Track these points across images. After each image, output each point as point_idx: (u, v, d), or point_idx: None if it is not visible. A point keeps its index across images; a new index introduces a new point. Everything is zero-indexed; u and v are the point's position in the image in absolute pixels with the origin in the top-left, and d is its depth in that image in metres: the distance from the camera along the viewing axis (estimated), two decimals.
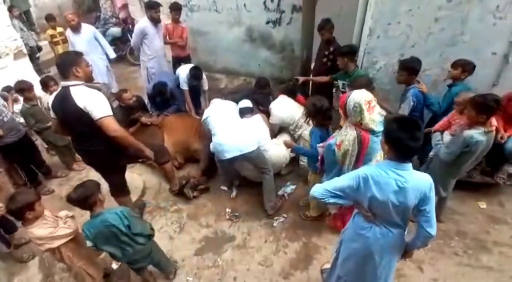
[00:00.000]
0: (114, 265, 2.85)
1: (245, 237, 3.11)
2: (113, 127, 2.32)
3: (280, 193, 3.56)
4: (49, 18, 5.77)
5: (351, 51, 3.29)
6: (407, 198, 1.66)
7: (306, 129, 3.50)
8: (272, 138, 3.56)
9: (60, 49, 5.82)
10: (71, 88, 2.30)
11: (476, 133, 2.39)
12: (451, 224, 3.12)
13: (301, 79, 4.00)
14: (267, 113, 3.59)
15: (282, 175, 3.76)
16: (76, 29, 4.49)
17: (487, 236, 3.02)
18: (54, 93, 2.45)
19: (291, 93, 3.73)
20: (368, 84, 2.83)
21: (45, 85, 3.71)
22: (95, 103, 2.28)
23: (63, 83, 2.35)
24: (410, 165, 1.66)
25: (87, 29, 4.64)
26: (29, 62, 5.15)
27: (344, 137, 2.33)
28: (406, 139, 1.55)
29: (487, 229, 3.09)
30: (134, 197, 3.34)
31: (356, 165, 2.37)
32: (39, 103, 3.66)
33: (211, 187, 3.69)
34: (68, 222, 2.29)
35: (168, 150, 3.55)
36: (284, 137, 3.58)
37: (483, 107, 2.34)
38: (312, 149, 2.77)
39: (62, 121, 2.48)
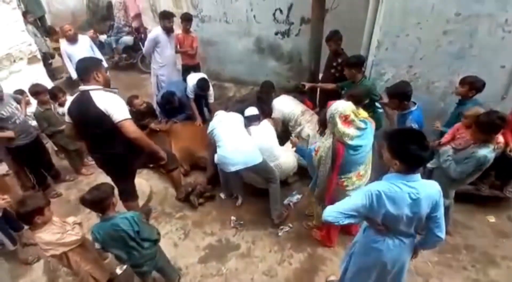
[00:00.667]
0: (118, 270, 2.85)
1: (250, 246, 3.09)
2: (133, 129, 2.41)
3: (285, 202, 3.54)
4: (50, 32, 5.75)
5: (358, 62, 3.30)
6: (420, 209, 1.66)
7: (305, 128, 3.65)
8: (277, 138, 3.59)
9: None
10: (91, 92, 2.35)
11: (488, 152, 2.37)
12: (459, 238, 3.06)
13: (308, 85, 4.02)
14: (270, 115, 3.71)
15: (288, 184, 3.75)
16: (73, 39, 4.59)
17: (496, 250, 2.96)
18: (71, 98, 2.50)
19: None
20: (361, 97, 2.81)
21: (54, 96, 3.74)
22: (116, 107, 2.35)
23: (83, 87, 2.39)
24: (418, 175, 1.66)
25: (84, 40, 4.75)
26: (43, 68, 5.26)
27: (322, 144, 2.38)
28: (417, 150, 1.54)
29: (496, 243, 3.03)
30: (140, 202, 3.35)
31: (331, 175, 2.41)
32: (52, 108, 3.73)
33: (216, 195, 3.69)
34: (76, 229, 2.30)
35: (179, 163, 3.57)
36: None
37: (489, 127, 2.34)
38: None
39: (80, 125, 2.50)
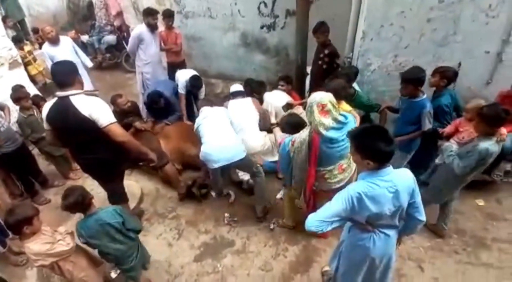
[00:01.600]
0: (113, 274, 2.82)
1: (245, 241, 3.10)
2: (120, 132, 2.35)
3: (278, 196, 3.56)
4: (16, 40, 5.44)
5: (349, 78, 3.14)
6: (401, 200, 1.68)
7: None
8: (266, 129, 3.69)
9: (32, 69, 5.62)
10: (71, 98, 2.24)
11: (491, 145, 2.33)
12: (450, 223, 3.12)
13: (295, 103, 3.77)
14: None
15: (280, 179, 3.75)
16: (55, 41, 4.43)
17: (486, 233, 3.03)
18: (48, 105, 2.36)
19: (287, 81, 3.96)
20: (338, 91, 2.71)
21: (36, 104, 3.66)
22: (100, 111, 2.26)
23: (61, 93, 2.26)
24: (390, 166, 1.67)
25: (66, 41, 4.61)
26: (24, 72, 5.12)
27: (299, 135, 2.39)
28: (385, 147, 1.55)
29: (486, 226, 3.10)
30: (132, 204, 3.32)
31: (307, 167, 2.40)
32: (35, 113, 3.63)
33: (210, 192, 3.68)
34: (67, 239, 2.23)
35: (169, 158, 3.55)
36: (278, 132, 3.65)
37: (494, 120, 2.29)
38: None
39: (61, 132, 2.40)
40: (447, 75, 2.88)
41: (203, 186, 3.59)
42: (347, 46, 3.69)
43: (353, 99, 3.17)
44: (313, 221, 1.71)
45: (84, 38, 6.96)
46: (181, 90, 4.37)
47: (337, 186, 2.46)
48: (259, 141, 3.54)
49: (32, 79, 5.35)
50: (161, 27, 4.75)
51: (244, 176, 3.59)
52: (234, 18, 4.94)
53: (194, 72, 4.39)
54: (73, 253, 2.28)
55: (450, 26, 3.11)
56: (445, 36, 3.18)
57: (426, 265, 2.77)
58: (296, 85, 4.17)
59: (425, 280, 2.67)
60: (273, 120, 3.77)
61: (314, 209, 2.74)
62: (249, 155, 3.20)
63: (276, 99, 3.80)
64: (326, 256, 2.89)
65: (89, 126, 2.25)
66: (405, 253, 2.84)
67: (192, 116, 4.50)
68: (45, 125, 2.41)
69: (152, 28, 4.41)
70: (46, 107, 2.35)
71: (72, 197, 2.12)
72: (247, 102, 3.59)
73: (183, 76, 4.33)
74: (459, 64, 3.28)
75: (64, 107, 2.25)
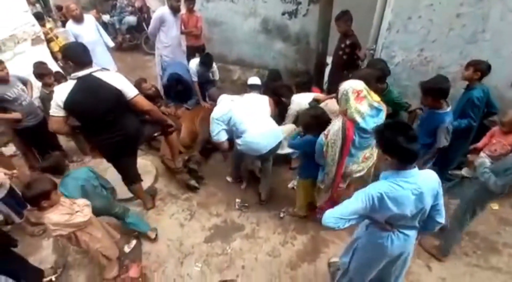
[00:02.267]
0: (127, 248, 2.93)
1: (254, 227, 3.15)
2: (146, 102, 2.52)
3: (290, 185, 3.58)
4: (38, 17, 5.43)
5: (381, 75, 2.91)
6: (424, 202, 1.65)
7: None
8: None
9: (54, 46, 5.68)
10: (96, 74, 2.29)
11: None
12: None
13: (323, 98, 3.40)
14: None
15: (292, 169, 3.76)
16: (79, 19, 4.41)
17: (498, 238, 2.98)
18: (65, 88, 2.27)
19: (306, 86, 3.71)
20: (368, 78, 2.55)
21: (56, 81, 3.71)
22: (127, 84, 2.40)
23: (83, 72, 2.26)
24: (416, 168, 1.63)
25: (90, 19, 4.61)
26: (47, 48, 5.21)
27: (331, 127, 2.33)
28: (404, 142, 1.50)
29: (498, 231, 3.05)
30: (146, 183, 3.41)
31: (340, 160, 2.35)
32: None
33: (220, 175, 3.76)
34: (85, 210, 2.31)
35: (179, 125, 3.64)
36: (289, 126, 3.59)
37: None
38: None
39: (85, 112, 2.37)
40: (480, 68, 2.78)
41: (199, 163, 3.67)
42: (370, 37, 3.58)
43: (383, 94, 2.93)
44: (330, 217, 1.69)
45: (105, 18, 7.01)
46: (194, 78, 4.40)
47: (358, 175, 2.45)
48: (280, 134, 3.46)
49: (54, 56, 5.45)
50: (183, 10, 4.73)
51: (258, 164, 3.61)
52: (256, 3, 4.86)
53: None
54: (89, 225, 2.37)
55: (479, 23, 2.99)
56: (473, 33, 3.06)
57: (434, 264, 2.76)
58: (315, 74, 4.10)
59: (433, 279, 2.67)
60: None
61: (334, 204, 2.75)
62: None
63: (306, 100, 3.50)
64: (334, 247, 2.92)
65: (119, 98, 2.35)
66: (414, 251, 2.82)
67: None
68: (59, 111, 2.29)
69: (175, 10, 4.39)
70: (64, 90, 2.25)
71: (49, 162, 2.38)
72: (263, 98, 3.43)
73: (194, 64, 4.35)
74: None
75: (93, 83, 2.27)
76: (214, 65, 4.42)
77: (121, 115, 2.46)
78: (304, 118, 2.69)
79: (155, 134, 3.20)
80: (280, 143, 3.03)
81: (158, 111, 2.70)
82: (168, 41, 4.57)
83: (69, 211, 2.25)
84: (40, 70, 3.56)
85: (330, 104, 3.21)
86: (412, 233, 1.84)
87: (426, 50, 3.22)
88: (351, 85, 2.15)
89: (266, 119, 3.06)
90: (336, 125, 2.28)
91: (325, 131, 2.39)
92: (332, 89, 3.89)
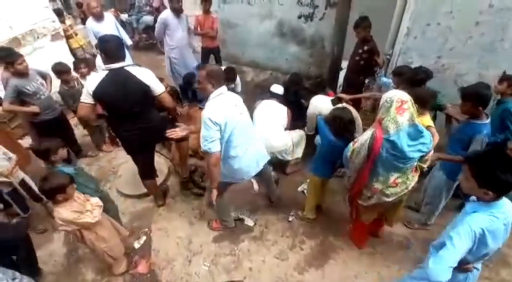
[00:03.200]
0: (136, 244, 2.97)
1: (263, 229, 3.14)
2: (170, 99, 2.63)
3: (299, 189, 3.56)
4: (57, 13, 5.55)
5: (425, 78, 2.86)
6: (508, 231, 1.55)
7: None
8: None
9: (73, 42, 5.78)
10: (127, 68, 2.40)
11: None
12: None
13: (346, 97, 3.36)
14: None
15: (287, 174, 3.77)
16: (99, 17, 4.47)
17: (509, 250, 2.89)
18: (96, 78, 2.38)
19: (321, 89, 3.71)
20: (425, 100, 2.46)
21: (75, 67, 3.88)
22: (155, 80, 2.50)
23: (116, 65, 2.36)
24: (503, 197, 1.51)
25: (109, 18, 4.68)
26: (66, 45, 5.33)
27: (361, 136, 2.28)
28: (509, 178, 1.38)
29: (509, 243, 2.95)
30: (159, 180, 3.44)
31: (362, 170, 2.26)
32: (76, 84, 3.79)
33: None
34: (95, 211, 2.30)
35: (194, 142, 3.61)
36: (295, 135, 3.65)
37: None
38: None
39: (114, 103, 2.45)
40: None
41: (203, 175, 3.64)
42: (388, 42, 3.56)
43: None
44: (443, 270, 1.49)
45: (123, 17, 7.14)
46: None
47: (385, 199, 2.32)
48: (282, 140, 3.49)
49: (73, 52, 5.57)
50: (199, 11, 4.79)
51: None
52: (272, 6, 4.88)
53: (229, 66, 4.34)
54: (97, 225, 2.36)
55: (498, 32, 2.96)
56: (492, 42, 3.02)
57: None
58: (328, 78, 4.09)
59: None
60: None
61: (357, 218, 2.69)
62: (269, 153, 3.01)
63: (324, 103, 3.50)
64: (343, 253, 2.89)
65: (147, 95, 2.45)
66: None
67: None
68: (88, 99, 2.39)
69: (177, 12, 4.41)
70: (95, 80, 2.37)
71: (43, 145, 2.45)
72: (282, 108, 3.52)
73: None
74: (504, 72, 3.10)
75: (124, 77, 2.38)
76: (238, 79, 4.37)
77: (146, 109, 2.56)
78: (329, 116, 2.68)
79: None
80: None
81: (175, 109, 2.85)
82: (174, 43, 4.61)
83: (80, 209, 2.26)
84: (59, 68, 3.66)
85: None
86: (480, 265, 1.74)
87: (443, 57, 3.19)
88: (397, 94, 2.03)
89: (272, 129, 3.15)
90: (366, 135, 2.19)
91: (355, 139, 2.33)
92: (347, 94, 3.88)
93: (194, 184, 3.58)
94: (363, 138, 2.21)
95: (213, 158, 2.22)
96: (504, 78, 2.80)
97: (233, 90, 4.38)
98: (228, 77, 4.13)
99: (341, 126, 2.55)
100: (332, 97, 3.39)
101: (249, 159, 2.52)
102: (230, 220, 3.07)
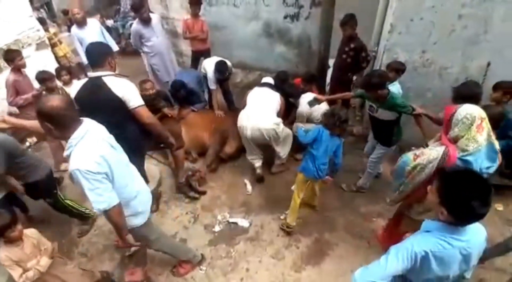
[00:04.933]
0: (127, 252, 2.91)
1: (258, 230, 3.14)
2: (147, 115, 2.46)
3: (293, 188, 3.54)
4: (40, 22, 5.40)
5: (380, 82, 2.73)
6: (469, 264, 1.40)
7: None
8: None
9: (58, 51, 5.67)
10: (103, 78, 2.31)
11: None
12: None
13: (322, 98, 3.43)
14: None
15: (297, 160, 3.82)
16: (82, 23, 4.47)
17: (502, 238, 2.96)
18: (77, 85, 2.40)
19: (312, 81, 3.80)
20: (497, 116, 2.39)
21: (57, 75, 3.84)
22: (131, 93, 2.37)
23: (94, 73, 2.34)
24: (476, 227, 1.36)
25: (94, 24, 4.68)
26: (51, 53, 5.26)
27: (428, 152, 2.10)
28: (479, 209, 1.21)
29: (503, 232, 3.03)
30: (151, 186, 3.40)
31: (421, 186, 2.12)
32: (59, 93, 3.74)
33: (224, 178, 3.77)
34: (42, 261, 2.09)
35: (184, 143, 3.59)
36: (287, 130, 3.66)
37: None
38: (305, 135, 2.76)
39: (89, 112, 2.31)
40: (510, 91, 2.78)
41: (200, 180, 3.62)
42: (372, 39, 3.60)
43: (386, 101, 2.79)
44: (364, 280, 1.41)
45: (109, 22, 7.10)
46: (212, 86, 4.33)
47: None
48: (272, 120, 3.39)
49: (58, 61, 5.49)
50: (186, 15, 4.78)
51: (256, 162, 3.65)
52: (258, 7, 4.89)
53: (219, 59, 4.33)
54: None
55: (481, 24, 3.00)
56: (475, 34, 3.06)
57: None
58: (317, 80, 4.11)
59: None
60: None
61: (396, 227, 2.63)
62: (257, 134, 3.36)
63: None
64: (338, 250, 2.91)
65: (119, 106, 2.34)
66: None
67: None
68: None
69: (145, 21, 4.41)
70: (75, 87, 2.41)
71: None
72: (274, 93, 3.51)
73: (210, 67, 4.25)
74: (488, 63, 3.17)
75: (97, 87, 2.31)
76: (230, 66, 4.40)
77: (120, 122, 2.42)
78: (328, 112, 2.70)
79: (161, 145, 3.19)
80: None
81: (159, 126, 2.63)
82: (152, 50, 4.62)
83: (22, 257, 2.03)
84: (42, 75, 3.61)
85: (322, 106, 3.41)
86: None
87: (428, 51, 3.23)
88: (478, 111, 1.91)
89: (263, 111, 3.22)
90: (434, 152, 2.06)
91: (417, 152, 2.19)
92: (335, 92, 3.91)
93: (191, 188, 3.55)
94: (430, 155, 2.06)
95: (115, 211, 1.78)
96: (498, 86, 2.86)
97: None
98: (219, 70, 4.15)
99: (338, 124, 2.59)
100: (313, 97, 3.43)
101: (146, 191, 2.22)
102: (191, 254, 2.72)
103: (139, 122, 2.44)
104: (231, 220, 3.23)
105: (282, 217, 3.23)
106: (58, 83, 3.86)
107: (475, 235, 1.36)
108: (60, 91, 3.78)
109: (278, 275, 2.73)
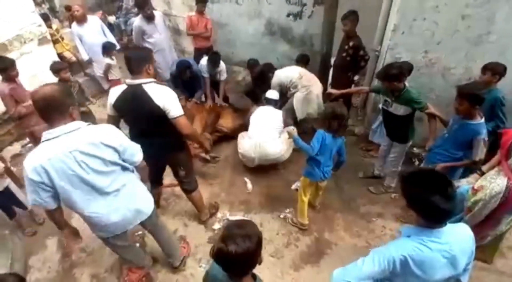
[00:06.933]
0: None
1: None
2: (187, 125, 2.40)
3: (293, 187, 3.57)
4: (43, 18, 5.37)
5: (399, 74, 2.74)
6: (458, 267, 1.37)
7: (299, 91, 3.80)
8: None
9: (59, 47, 5.64)
10: (144, 86, 2.24)
11: None
12: None
13: (336, 93, 3.47)
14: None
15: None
16: (82, 20, 4.46)
17: (504, 241, 2.94)
18: (116, 91, 2.31)
19: (304, 61, 4.08)
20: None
21: (57, 71, 3.72)
22: (172, 103, 2.28)
23: (133, 80, 2.27)
24: (447, 225, 1.35)
25: (94, 20, 4.66)
26: (53, 49, 5.26)
27: (488, 184, 1.97)
28: (441, 203, 1.22)
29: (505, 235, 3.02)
30: (148, 185, 3.41)
31: (487, 220, 2.02)
32: (72, 85, 3.74)
33: (224, 176, 3.79)
34: None
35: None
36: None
37: None
38: (310, 146, 2.61)
39: (129, 118, 2.41)
40: (498, 71, 2.78)
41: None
42: (375, 39, 3.59)
43: (402, 94, 2.80)
44: (340, 280, 1.42)
45: (111, 19, 7.06)
46: (205, 74, 4.41)
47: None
48: (277, 147, 3.59)
49: (60, 57, 5.49)
50: (189, 12, 4.77)
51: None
52: (261, 5, 4.89)
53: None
54: None
55: (484, 25, 2.99)
56: (479, 35, 3.05)
57: None
58: (319, 77, 4.11)
59: None
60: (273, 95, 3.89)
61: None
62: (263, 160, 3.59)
63: (284, 73, 3.91)
64: (337, 249, 2.91)
65: (160, 116, 2.26)
66: None
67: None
68: (110, 110, 2.38)
69: (148, 18, 4.42)
70: (115, 93, 2.32)
71: None
72: (277, 112, 3.74)
73: (204, 61, 4.38)
74: None
75: (138, 95, 2.24)
76: (223, 65, 4.41)
77: (157, 133, 2.39)
78: (328, 110, 2.58)
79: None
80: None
81: (197, 136, 2.62)
82: (154, 47, 4.57)
83: None
84: (56, 66, 3.61)
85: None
86: None
87: (431, 52, 3.22)
88: None
89: (267, 136, 3.47)
90: (496, 186, 1.93)
91: (475, 186, 2.08)
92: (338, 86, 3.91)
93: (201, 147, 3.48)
94: (492, 189, 1.93)
95: (47, 212, 1.90)
96: (487, 67, 2.83)
97: (217, 77, 4.50)
98: (211, 59, 4.22)
99: (338, 122, 2.53)
100: (326, 92, 3.56)
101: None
102: (141, 260, 2.58)
103: (179, 132, 2.39)
104: (231, 218, 3.23)
105: (281, 216, 3.23)
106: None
107: (457, 237, 1.35)
108: (73, 83, 3.77)
109: (277, 274, 2.73)
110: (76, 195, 1.80)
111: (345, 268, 1.46)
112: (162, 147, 2.50)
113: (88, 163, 1.75)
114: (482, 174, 2.20)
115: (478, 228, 2.08)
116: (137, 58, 2.28)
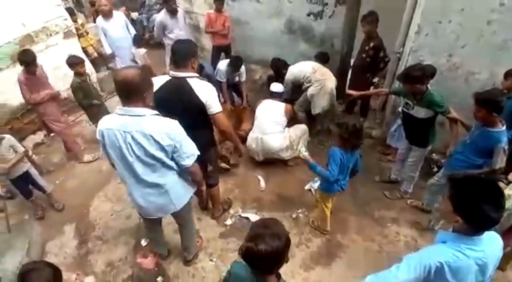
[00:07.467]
0: (143, 242, 2.93)
1: None
2: (225, 122, 2.43)
3: (306, 187, 3.56)
4: (69, 12, 5.50)
5: (421, 76, 2.67)
6: (486, 274, 1.36)
7: (313, 86, 3.77)
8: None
9: (84, 41, 5.71)
10: (188, 79, 2.23)
11: None
12: None
13: (355, 94, 3.53)
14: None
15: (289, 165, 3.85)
16: (108, 15, 4.55)
17: None
18: (157, 82, 2.19)
19: (323, 59, 4.05)
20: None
21: (72, 65, 3.73)
22: (214, 99, 2.29)
23: (177, 73, 2.24)
24: (484, 232, 1.32)
25: (119, 16, 4.75)
26: (78, 42, 5.42)
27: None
28: (490, 211, 1.20)
29: None
30: None
31: (507, 231, 2.04)
32: (88, 80, 3.85)
33: (237, 173, 3.81)
34: None
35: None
36: (297, 130, 3.78)
37: None
38: (328, 170, 2.49)
39: (170, 111, 2.22)
40: None
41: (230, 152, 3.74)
42: (398, 40, 3.51)
43: (424, 97, 2.74)
44: None
45: (134, 15, 7.20)
46: (222, 79, 4.39)
47: None
48: (278, 141, 3.62)
49: (84, 51, 5.64)
50: (208, 10, 4.81)
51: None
52: (281, 4, 4.86)
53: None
54: None
55: (510, 31, 2.88)
56: (504, 40, 2.95)
57: None
58: (337, 77, 4.07)
59: None
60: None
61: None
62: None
63: (297, 68, 3.91)
64: (350, 252, 2.89)
65: (200, 111, 2.27)
66: None
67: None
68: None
69: (172, 13, 4.52)
70: (157, 83, 2.20)
71: None
72: (279, 105, 3.73)
73: (222, 65, 4.36)
74: None
75: (181, 87, 2.23)
76: (242, 67, 4.41)
77: (194, 127, 2.26)
78: (338, 130, 2.47)
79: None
80: None
81: (234, 134, 2.61)
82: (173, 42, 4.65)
83: None
84: (73, 60, 3.70)
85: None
86: None
87: (455, 55, 3.13)
88: None
89: (270, 130, 3.54)
90: None
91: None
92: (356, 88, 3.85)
93: (222, 159, 3.63)
94: None
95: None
96: (509, 73, 2.76)
97: (237, 79, 4.54)
98: (233, 64, 4.23)
99: (352, 136, 2.39)
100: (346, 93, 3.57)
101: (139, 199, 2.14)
102: (160, 247, 2.79)
103: (216, 127, 2.43)
104: (243, 215, 3.26)
105: (293, 216, 3.23)
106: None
107: (491, 245, 1.34)
108: (88, 77, 3.87)
109: (287, 273, 2.72)
110: (120, 167, 1.98)
111: (377, 275, 1.43)
112: (201, 141, 2.42)
113: (134, 148, 1.86)
114: (509, 183, 2.12)
115: (504, 238, 2.03)
116: (184, 51, 2.26)
